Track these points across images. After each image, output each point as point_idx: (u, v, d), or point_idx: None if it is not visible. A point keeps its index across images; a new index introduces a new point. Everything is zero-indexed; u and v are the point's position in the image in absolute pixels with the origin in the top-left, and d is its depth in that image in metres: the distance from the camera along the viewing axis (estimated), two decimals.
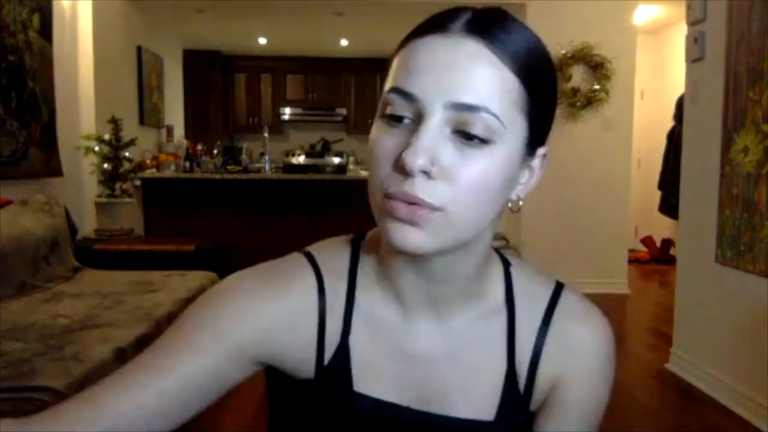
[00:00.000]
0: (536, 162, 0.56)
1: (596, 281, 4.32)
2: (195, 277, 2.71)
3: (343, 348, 0.59)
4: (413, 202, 0.49)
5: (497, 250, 0.65)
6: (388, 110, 0.51)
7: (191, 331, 0.56)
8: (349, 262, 0.62)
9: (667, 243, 5.66)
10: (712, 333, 2.68)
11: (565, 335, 0.61)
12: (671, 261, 4.68)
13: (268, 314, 0.58)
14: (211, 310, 0.58)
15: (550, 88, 0.54)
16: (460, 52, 0.49)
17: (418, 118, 0.50)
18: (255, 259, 0.62)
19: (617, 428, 2.23)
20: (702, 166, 2.75)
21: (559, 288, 0.64)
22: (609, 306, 0.64)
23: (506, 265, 0.64)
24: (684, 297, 2.94)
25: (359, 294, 0.61)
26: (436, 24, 0.51)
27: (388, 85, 0.53)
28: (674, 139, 4.61)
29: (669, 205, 4.62)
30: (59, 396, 1.43)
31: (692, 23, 2.84)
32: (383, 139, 0.52)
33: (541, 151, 0.56)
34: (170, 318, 2.20)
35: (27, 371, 1.54)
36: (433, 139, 0.48)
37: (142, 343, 1.93)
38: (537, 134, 0.54)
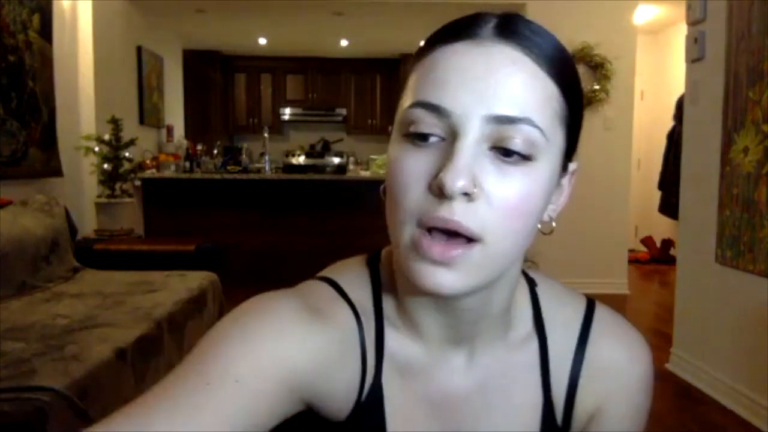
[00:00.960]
0: (566, 179, 0.52)
1: (596, 281, 4.32)
2: (195, 278, 2.71)
3: (377, 388, 0.54)
4: (453, 229, 0.44)
5: None
6: (413, 128, 0.46)
7: (221, 362, 0.45)
8: (372, 295, 0.56)
9: (667, 243, 5.66)
10: (712, 333, 2.68)
11: (603, 362, 0.57)
12: (671, 261, 4.68)
13: (315, 340, 0.49)
14: (241, 337, 0.47)
15: (580, 92, 0.50)
16: (496, 59, 0.44)
17: (451, 135, 0.45)
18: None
19: None
20: (702, 166, 2.75)
21: (591, 307, 0.59)
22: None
23: (531, 285, 0.59)
24: (684, 297, 2.94)
25: (386, 330, 0.55)
26: (463, 30, 0.46)
27: (409, 100, 0.47)
28: (674, 139, 4.61)
29: (669, 205, 4.62)
30: (59, 396, 1.43)
31: (692, 23, 2.84)
32: (409, 160, 0.46)
33: (572, 167, 0.52)
34: (170, 318, 2.20)
35: (27, 371, 1.54)
36: (472, 156, 0.44)
37: (142, 343, 1.93)
38: (571, 146, 0.50)
